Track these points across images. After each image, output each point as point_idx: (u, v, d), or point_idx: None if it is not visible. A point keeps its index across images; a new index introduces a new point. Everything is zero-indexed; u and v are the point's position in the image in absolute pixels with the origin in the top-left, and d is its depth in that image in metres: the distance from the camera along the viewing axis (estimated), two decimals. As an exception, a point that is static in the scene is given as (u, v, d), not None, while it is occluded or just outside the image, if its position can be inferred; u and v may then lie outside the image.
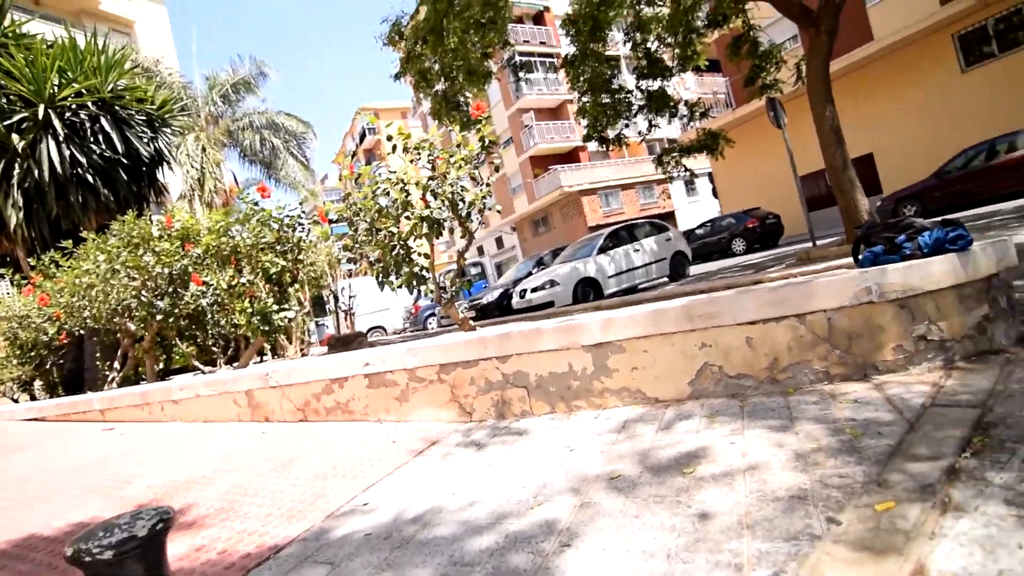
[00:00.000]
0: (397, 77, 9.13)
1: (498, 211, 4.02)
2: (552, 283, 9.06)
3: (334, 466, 2.31)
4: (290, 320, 5.51)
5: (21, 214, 9.51)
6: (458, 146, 3.79)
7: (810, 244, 9.00)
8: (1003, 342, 1.89)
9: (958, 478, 1.19)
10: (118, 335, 6.46)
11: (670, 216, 28.61)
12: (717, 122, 15.69)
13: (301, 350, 8.54)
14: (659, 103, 9.85)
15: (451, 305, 3.75)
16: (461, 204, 3.48)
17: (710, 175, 23.76)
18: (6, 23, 10.82)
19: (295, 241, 5.77)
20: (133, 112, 11.00)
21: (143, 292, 5.45)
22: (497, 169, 4.30)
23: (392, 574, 1.35)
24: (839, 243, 7.33)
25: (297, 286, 6.19)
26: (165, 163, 12.13)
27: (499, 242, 32.65)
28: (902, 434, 1.44)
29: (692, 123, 10.34)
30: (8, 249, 10.17)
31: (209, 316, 6.01)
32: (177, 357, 7.61)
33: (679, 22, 9.39)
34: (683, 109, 10.30)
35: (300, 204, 6.15)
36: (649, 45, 10.01)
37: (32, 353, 7.23)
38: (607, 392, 2.32)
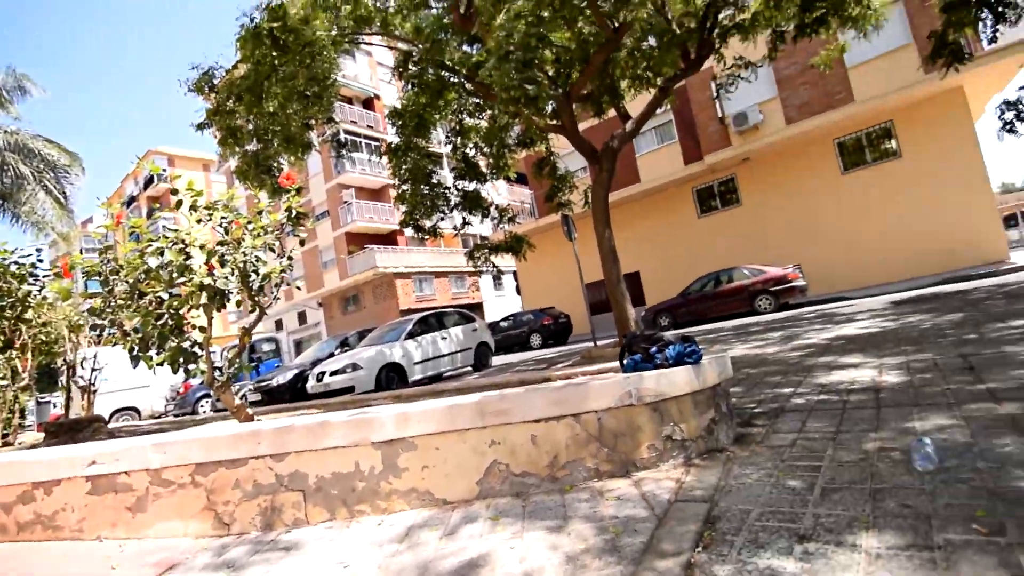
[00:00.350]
0: (200, 128, 8.28)
1: (297, 288, 3.69)
2: (355, 367, 8.58)
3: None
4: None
5: None
6: (259, 213, 3.50)
7: (592, 344, 10.23)
8: (725, 442, 2.31)
9: (693, 573, 1.35)
10: None
11: (478, 307, 30.11)
12: (523, 228, 17.53)
13: (4, 436, 6.50)
14: (473, 203, 10.66)
15: (225, 389, 3.24)
16: (254, 276, 3.15)
17: (515, 273, 25.91)
18: None
19: (20, 296, 4.53)
20: None
21: None
22: (302, 243, 4.03)
23: None
24: (614, 345, 8.48)
25: (13, 352, 4.79)
26: None
27: (302, 317, 30.30)
28: (652, 530, 1.61)
29: (501, 225, 11.35)
30: None
31: None
32: None
33: (494, 136, 10.56)
34: (494, 212, 11.29)
35: (38, 250, 4.94)
36: (467, 151, 10.98)
37: None
38: (395, 494, 2.17)
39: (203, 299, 2.97)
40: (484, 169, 11.20)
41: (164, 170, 8.34)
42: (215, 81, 8.12)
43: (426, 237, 10.23)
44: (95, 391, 7.64)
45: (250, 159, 8.49)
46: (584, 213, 10.76)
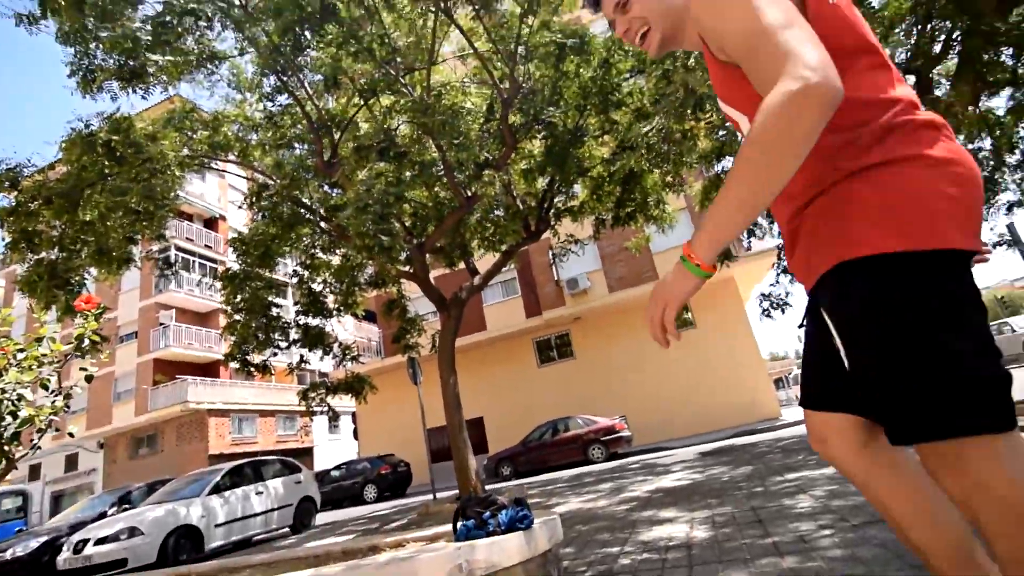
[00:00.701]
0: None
1: (70, 434, 2.88)
2: (132, 531, 6.86)
3: None
4: None
5: None
6: (38, 340, 2.91)
7: (431, 498, 9.61)
8: (555, 614, 2.24)
9: None
10: None
11: (308, 452, 27.01)
12: (367, 367, 16.85)
13: None
14: (315, 340, 10.14)
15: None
16: (8, 420, 2.51)
17: (353, 415, 24.24)
18: None
19: None
20: None
21: None
22: (89, 379, 3.27)
23: None
24: (452, 500, 8.07)
25: None
26: None
27: (71, 462, 24.18)
28: None
29: (344, 363, 10.83)
30: None
31: None
32: None
33: (345, 274, 10.55)
34: (337, 349, 10.80)
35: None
36: (315, 286, 10.72)
37: None
38: None
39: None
40: (331, 305, 10.92)
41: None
42: (19, 178, 7.10)
43: (254, 374, 9.26)
44: None
45: (44, 269, 7.19)
46: (430, 356, 10.83)
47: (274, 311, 9.55)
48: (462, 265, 10.98)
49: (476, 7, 7.46)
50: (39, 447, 2.88)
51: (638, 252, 11.40)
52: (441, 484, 11.44)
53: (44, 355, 2.71)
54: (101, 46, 7.08)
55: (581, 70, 8.15)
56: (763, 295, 9.64)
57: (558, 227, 10.54)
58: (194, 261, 26.19)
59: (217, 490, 8.02)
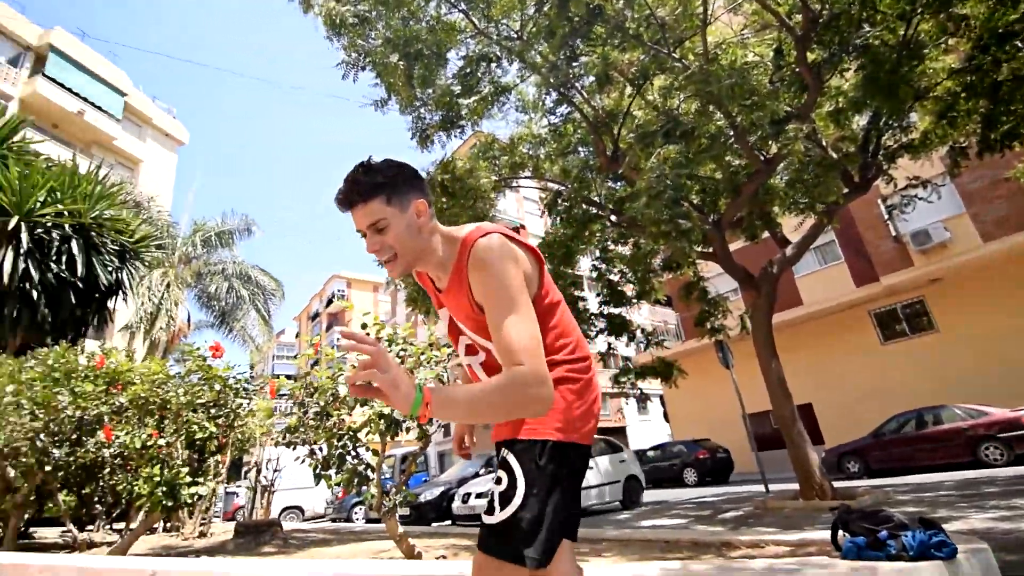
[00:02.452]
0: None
1: None
2: (499, 491, 8.44)
3: None
4: (200, 497, 4.79)
5: (-60, 318, 8.75)
6: (431, 345, 3.80)
7: (763, 488, 8.89)
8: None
9: None
10: (-16, 480, 5.46)
11: (621, 431, 28.54)
12: (669, 352, 16.73)
13: (201, 527, 7.33)
14: (618, 328, 10.56)
15: (391, 517, 3.34)
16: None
17: (661, 397, 24.50)
18: (16, 138, 11.37)
19: (233, 407, 5.34)
20: (108, 240, 11.06)
21: (41, 435, 4.76)
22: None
23: None
24: (793, 496, 7.26)
25: (220, 456, 5.54)
26: (121, 292, 11.82)
27: (446, 429, 31.43)
28: None
29: (648, 349, 11.01)
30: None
31: (107, 470, 5.24)
32: (51, 508, 6.47)
33: (639, 262, 10.66)
34: (640, 336, 11.03)
35: (251, 368, 5.84)
36: (612, 277, 11.18)
37: None
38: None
39: (381, 427, 3.20)
40: (629, 294, 11.22)
41: (342, 291, 9.66)
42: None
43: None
44: (273, 492, 8.42)
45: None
46: (739, 338, 10.03)
47: (580, 305, 10.34)
48: (765, 234, 9.85)
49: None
50: (443, 425, 3.74)
51: (1030, 181, 8.17)
52: (771, 475, 10.46)
53: (437, 358, 3.53)
54: (427, 107, 8.95)
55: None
56: None
57: (892, 170, 8.39)
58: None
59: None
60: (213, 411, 5.03)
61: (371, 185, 1.31)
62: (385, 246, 1.34)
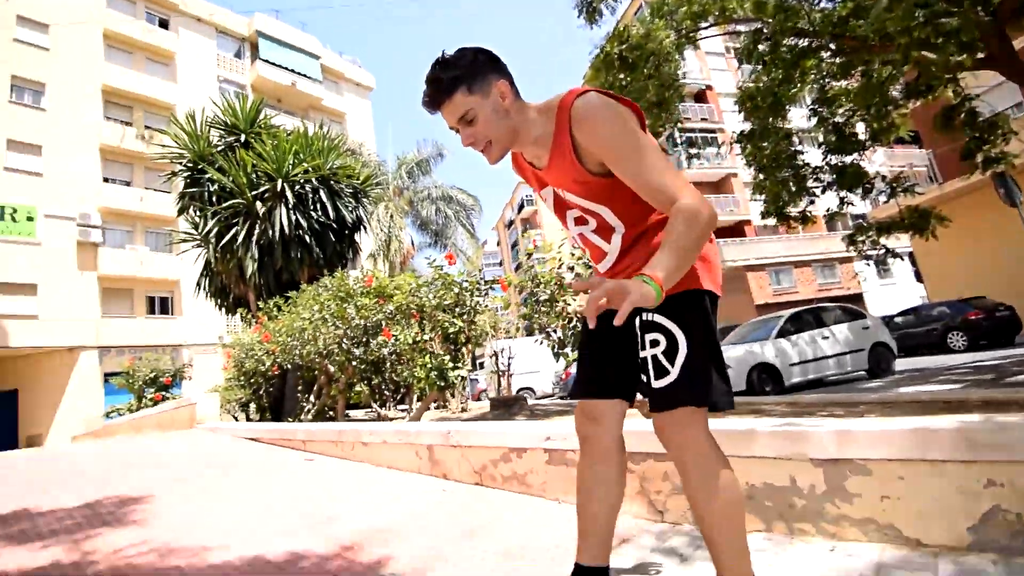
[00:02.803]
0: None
1: None
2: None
3: (522, 547, 2.25)
4: (462, 378, 5.79)
5: (255, 265, 11.58)
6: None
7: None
8: None
9: None
10: (316, 373, 7.38)
11: (857, 299, 25.27)
12: (922, 199, 13.74)
13: (462, 405, 8.91)
14: (852, 179, 8.94)
15: (630, 385, 3.61)
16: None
17: (911, 255, 20.69)
18: (260, 117, 13.82)
19: (472, 305, 6.16)
20: (343, 186, 13.08)
21: (344, 340, 6.19)
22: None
23: None
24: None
25: (467, 347, 6.54)
26: (362, 227, 14.07)
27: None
28: None
29: (892, 199, 9.20)
30: (243, 293, 12.41)
31: (388, 365, 6.59)
32: (355, 395, 8.45)
33: (873, 93, 8.60)
34: (880, 185, 9.23)
35: (480, 271, 6.57)
36: (837, 120, 9.30)
37: (252, 379, 8.55)
38: (845, 521, 1.95)
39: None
40: (862, 136, 9.30)
41: (530, 197, 10.01)
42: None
43: (793, 226, 9.15)
44: (510, 375, 9.71)
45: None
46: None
47: (799, 159, 8.98)
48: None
49: None
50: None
51: None
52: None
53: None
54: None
55: None
56: None
57: None
58: (696, 137, 27.85)
59: (783, 334, 8.65)
60: (457, 310, 5.89)
61: (450, 80, 1.30)
62: (478, 136, 1.35)
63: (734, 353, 8.43)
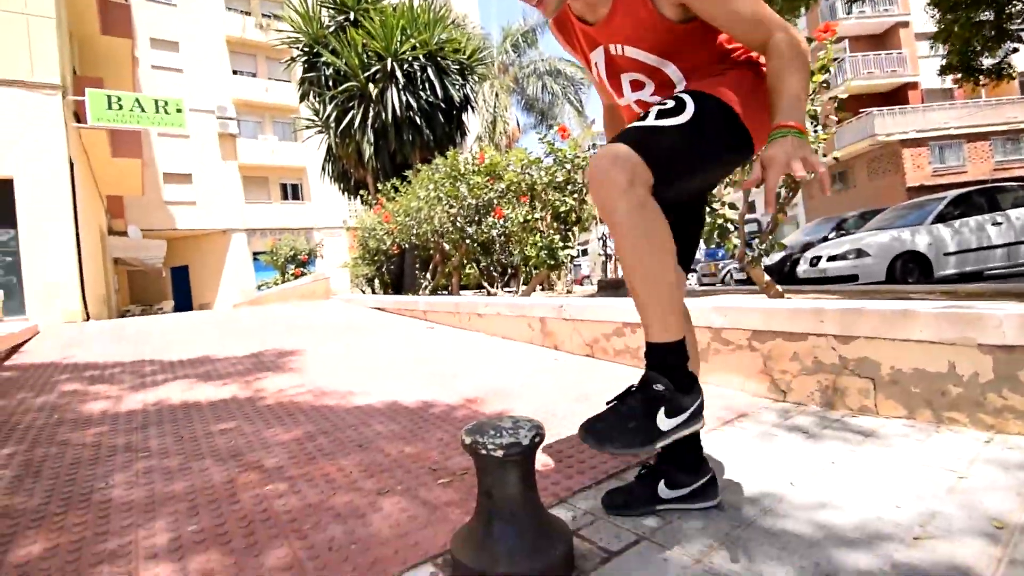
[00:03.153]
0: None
1: (836, 158, 3.30)
2: (860, 253, 7.51)
3: (635, 412, 2.30)
4: (572, 258, 5.79)
5: (372, 149, 12.00)
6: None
7: None
8: None
9: None
10: (431, 251, 7.80)
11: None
12: None
13: (567, 287, 9.04)
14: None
15: (756, 266, 3.34)
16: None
17: None
18: (363, -5, 13.38)
19: (584, 182, 5.93)
20: (450, 62, 12.70)
21: (457, 218, 6.37)
22: (841, 108, 3.42)
23: (742, 558, 1.23)
24: None
25: (576, 227, 6.45)
26: (469, 107, 13.81)
27: (777, 196, 28.94)
28: None
29: None
30: (362, 176, 13.07)
31: (497, 245, 6.74)
32: (464, 275, 8.88)
33: None
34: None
35: (590, 150, 6.24)
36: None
37: (375, 257, 9.29)
38: (1010, 412, 1.72)
39: (737, 176, 3.03)
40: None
41: None
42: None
43: (982, 83, 7.40)
44: (616, 259, 9.58)
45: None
46: None
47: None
48: None
49: None
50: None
51: None
52: None
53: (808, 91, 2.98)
54: None
55: None
56: None
57: None
58: (861, -25, 22.65)
59: (942, 219, 7.45)
60: (568, 188, 5.72)
61: None
62: None
63: (877, 239, 7.43)
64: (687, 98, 1.22)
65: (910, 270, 7.23)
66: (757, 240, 3.41)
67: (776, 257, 10.16)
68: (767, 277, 3.39)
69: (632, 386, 1.24)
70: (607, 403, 1.24)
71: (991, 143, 22.05)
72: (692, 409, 1.22)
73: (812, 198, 25.74)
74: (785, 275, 10.07)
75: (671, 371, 1.20)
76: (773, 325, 2.36)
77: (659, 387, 1.19)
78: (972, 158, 21.89)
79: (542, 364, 3.34)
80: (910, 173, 21.07)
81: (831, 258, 7.83)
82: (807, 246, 9.62)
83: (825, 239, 9.63)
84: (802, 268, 8.59)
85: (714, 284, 13.07)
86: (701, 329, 2.67)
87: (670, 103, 1.23)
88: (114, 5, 15.32)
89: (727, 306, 2.58)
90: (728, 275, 12.73)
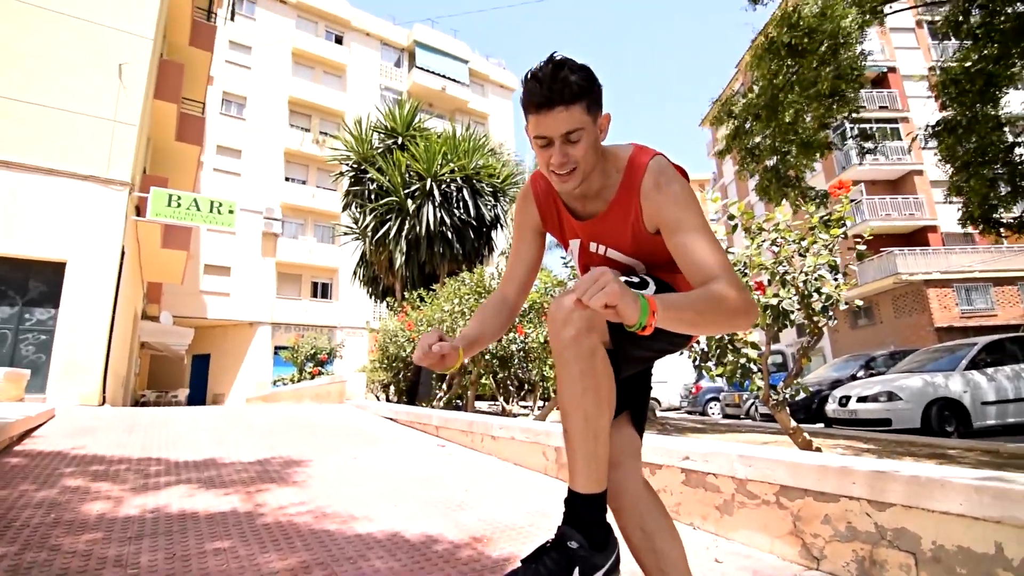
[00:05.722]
0: (721, 155, 9.02)
1: (857, 307, 3.31)
2: (891, 396, 7.24)
3: (653, 569, 2.12)
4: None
5: (403, 258, 12.55)
6: (811, 229, 3.35)
7: None
8: None
9: None
10: (450, 364, 7.76)
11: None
12: None
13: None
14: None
15: (781, 410, 3.24)
16: (816, 296, 3.01)
17: None
18: (415, 121, 14.91)
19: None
20: (484, 184, 13.65)
21: (478, 334, 6.45)
22: (860, 257, 3.55)
23: None
24: None
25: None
26: (499, 226, 14.56)
27: (799, 329, 28.60)
28: None
29: None
30: (391, 283, 13.53)
31: (515, 361, 6.72)
32: (481, 387, 8.74)
33: None
34: None
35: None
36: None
37: (393, 363, 9.31)
38: (1078, 611, 1.53)
39: (767, 319, 3.06)
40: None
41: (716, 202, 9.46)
42: (733, 108, 8.61)
43: (1005, 235, 7.57)
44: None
45: (770, 174, 8.53)
46: None
47: (1016, 153, 7.37)
48: None
49: None
50: (835, 319, 3.33)
51: None
52: None
53: (826, 243, 3.09)
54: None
55: None
56: None
57: None
58: (871, 129, 24.36)
59: (975, 366, 7.21)
60: (589, 312, 5.81)
61: (578, 87, 1.15)
62: (571, 159, 1.21)
63: (909, 383, 7.17)
64: (649, 279, 1.36)
65: (947, 419, 6.87)
66: (782, 384, 3.35)
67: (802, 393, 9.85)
68: (793, 423, 3.27)
69: (548, 542, 1.19)
70: (521, 560, 1.18)
71: (1019, 287, 21.94)
72: (605, 568, 1.17)
73: (836, 331, 25.41)
74: (813, 412, 9.69)
75: (587, 527, 1.15)
76: (802, 482, 2.23)
77: (573, 544, 1.14)
78: (1001, 302, 21.68)
79: (554, 498, 3.17)
80: (937, 313, 20.84)
81: (861, 399, 7.54)
82: (836, 383, 9.33)
83: (854, 377, 9.35)
84: (831, 407, 8.26)
85: (739, 416, 12.59)
86: (724, 478, 2.54)
87: (635, 279, 1.35)
88: (192, 118, 17.30)
89: (753, 455, 2.47)
90: (753, 407, 12.28)
